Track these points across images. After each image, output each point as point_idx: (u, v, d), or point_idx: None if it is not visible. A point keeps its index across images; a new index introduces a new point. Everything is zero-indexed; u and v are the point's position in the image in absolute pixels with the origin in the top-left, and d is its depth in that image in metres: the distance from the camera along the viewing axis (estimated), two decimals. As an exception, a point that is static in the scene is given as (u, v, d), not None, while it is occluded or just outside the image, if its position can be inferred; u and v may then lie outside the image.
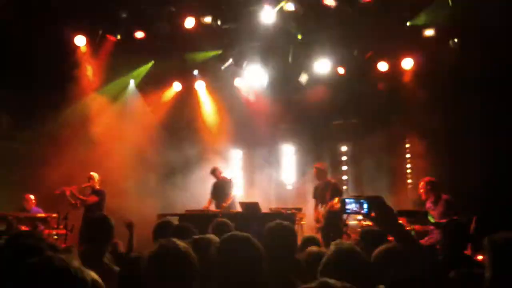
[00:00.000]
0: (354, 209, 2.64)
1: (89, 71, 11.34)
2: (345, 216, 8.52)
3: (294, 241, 3.70)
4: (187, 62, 11.86)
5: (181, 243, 2.64)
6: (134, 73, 12.37)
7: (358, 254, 2.78)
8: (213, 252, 2.83)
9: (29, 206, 10.00)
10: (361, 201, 2.59)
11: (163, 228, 4.85)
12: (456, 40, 9.74)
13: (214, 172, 10.78)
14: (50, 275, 1.94)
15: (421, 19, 9.69)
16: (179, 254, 2.56)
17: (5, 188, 10.29)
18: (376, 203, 2.57)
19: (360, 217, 8.49)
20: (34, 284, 1.95)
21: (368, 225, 7.83)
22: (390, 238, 7.02)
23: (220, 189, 10.58)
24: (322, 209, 9.24)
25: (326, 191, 9.23)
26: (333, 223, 8.76)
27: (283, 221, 3.73)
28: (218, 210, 9.80)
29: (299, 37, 10.34)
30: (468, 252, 6.32)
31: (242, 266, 2.71)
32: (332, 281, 1.83)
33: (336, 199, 8.82)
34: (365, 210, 2.58)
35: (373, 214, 2.63)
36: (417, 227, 7.67)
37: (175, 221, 6.68)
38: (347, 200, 2.70)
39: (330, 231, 8.58)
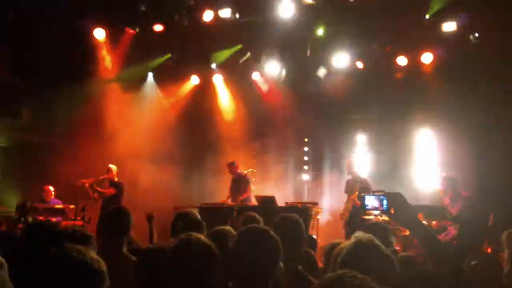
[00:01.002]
0: (373, 205, 2.63)
1: (108, 64, 11.41)
2: None
3: (300, 233, 3.69)
4: (207, 57, 11.89)
5: (202, 237, 2.65)
6: (151, 65, 12.43)
7: (378, 247, 2.75)
8: (231, 244, 2.83)
9: (48, 197, 10.12)
10: (381, 197, 2.58)
11: (183, 218, 4.80)
12: (476, 34, 9.61)
13: (229, 167, 10.79)
14: (66, 266, 1.98)
15: (435, 7, 9.52)
16: (202, 247, 2.58)
17: (24, 180, 10.43)
18: (396, 200, 2.55)
19: (376, 212, 8.45)
20: (51, 275, 1.98)
21: (384, 220, 7.82)
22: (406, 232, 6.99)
23: (236, 184, 10.60)
24: (348, 204, 9.27)
25: (354, 186, 9.25)
26: (357, 218, 8.75)
27: (288, 213, 3.74)
28: (232, 203, 9.81)
29: (321, 30, 10.28)
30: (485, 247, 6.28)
31: (259, 258, 2.69)
32: (350, 273, 1.82)
33: (356, 194, 8.85)
34: (384, 206, 2.56)
35: (392, 210, 2.61)
36: (434, 222, 7.62)
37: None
38: (366, 197, 2.70)
39: (354, 226, 8.53)
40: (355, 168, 9.57)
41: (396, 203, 2.55)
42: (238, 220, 5.16)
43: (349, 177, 9.74)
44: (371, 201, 2.65)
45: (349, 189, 9.49)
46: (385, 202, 2.56)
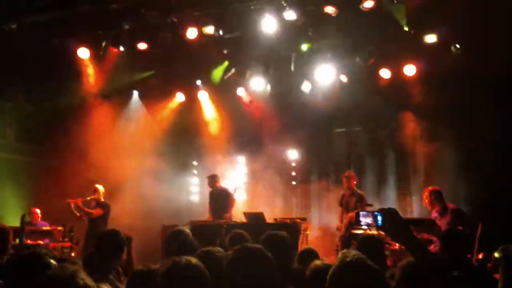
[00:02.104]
0: (367, 221, 2.66)
1: (93, 83, 11.40)
2: None
3: (288, 250, 3.70)
4: (193, 73, 11.94)
5: (193, 259, 2.66)
6: (136, 83, 12.44)
7: (365, 264, 2.73)
8: (224, 264, 2.83)
9: (35, 219, 10.03)
10: (374, 213, 2.62)
11: (176, 237, 4.78)
12: (457, 45, 9.75)
13: (210, 180, 10.75)
14: None
15: (401, 16, 9.57)
16: (193, 271, 2.58)
17: (11, 201, 10.34)
18: (389, 215, 2.60)
19: (366, 227, 8.47)
20: None
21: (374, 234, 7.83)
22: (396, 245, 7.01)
23: (217, 199, 10.56)
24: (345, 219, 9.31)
25: (351, 199, 9.29)
26: (351, 232, 8.77)
27: (275, 231, 3.75)
28: (222, 221, 9.78)
29: (304, 45, 10.37)
30: (473, 258, 6.31)
31: (253, 277, 2.72)
32: None
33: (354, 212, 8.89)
34: (379, 222, 2.59)
35: (386, 226, 2.63)
36: (422, 235, 7.63)
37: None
38: (360, 213, 2.73)
39: (349, 240, 8.55)
40: (352, 182, 9.63)
41: (390, 218, 2.58)
42: (225, 237, 5.16)
43: (345, 190, 9.78)
44: (365, 217, 2.69)
45: (345, 203, 9.53)
46: (379, 218, 2.59)
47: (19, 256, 3.20)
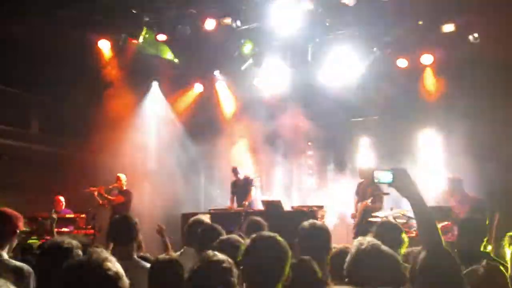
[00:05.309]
0: (381, 179, 2.90)
1: (113, 74, 11.57)
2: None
3: (328, 241, 3.80)
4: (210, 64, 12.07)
5: (223, 258, 2.77)
6: (155, 74, 12.57)
7: (381, 249, 2.85)
8: (243, 252, 2.94)
9: (59, 207, 10.27)
10: (388, 171, 2.83)
11: (194, 227, 4.94)
12: (475, 34, 9.72)
13: (233, 171, 10.94)
14: (87, 278, 1.98)
15: None
16: (222, 270, 2.70)
17: (35, 190, 10.58)
18: (400, 173, 2.79)
19: (382, 214, 8.49)
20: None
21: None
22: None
23: (240, 187, 10.73)
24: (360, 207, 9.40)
25: (367, 190, 9.38)
26: (367, 220, 8.87)
27: (316, 221, 3.84)
28: (240, 208, 9.94)
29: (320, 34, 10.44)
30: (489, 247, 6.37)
31: (268, 265, 2.82)
32: None
33: (370, 199, 8.95)
34: (390, 180, 2.81)
35: (397, 182, 2.83)
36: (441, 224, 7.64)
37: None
38: (375, 172, 2.95)
39: (364, 228, 8.63)
40: (369, 173, 9.68)
41: (400, 176, 2.77)
42: (243, 225, 5.27)
43: (361, 180, 9.87)
44: (379, 174, 2.92)
45: (361, 192, 9.63)
46: (391, 175, 2.81)
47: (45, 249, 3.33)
